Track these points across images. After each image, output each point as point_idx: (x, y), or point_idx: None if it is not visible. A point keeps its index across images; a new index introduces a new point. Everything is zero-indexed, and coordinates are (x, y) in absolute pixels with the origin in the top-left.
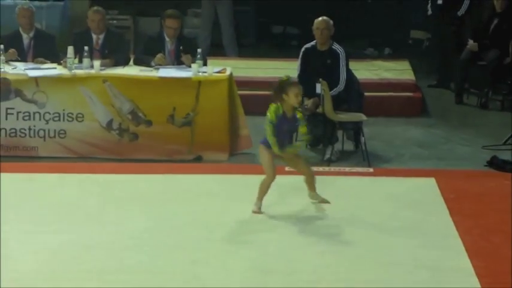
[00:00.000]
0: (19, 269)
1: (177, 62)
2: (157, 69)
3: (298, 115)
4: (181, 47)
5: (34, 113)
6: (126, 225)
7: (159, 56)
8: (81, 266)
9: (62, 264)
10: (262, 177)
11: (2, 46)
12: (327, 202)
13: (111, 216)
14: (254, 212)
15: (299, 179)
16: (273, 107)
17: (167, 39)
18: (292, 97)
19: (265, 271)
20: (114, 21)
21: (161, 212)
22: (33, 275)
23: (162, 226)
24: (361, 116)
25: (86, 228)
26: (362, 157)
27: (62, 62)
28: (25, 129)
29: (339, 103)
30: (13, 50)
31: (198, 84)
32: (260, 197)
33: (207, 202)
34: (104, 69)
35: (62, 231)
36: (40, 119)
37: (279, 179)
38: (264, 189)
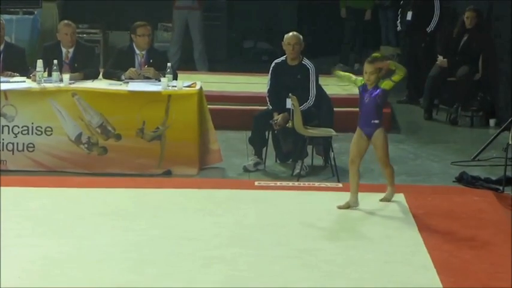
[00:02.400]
0: None
1: (147, 75)
2: (127, 83)
3: (384, 85)
4: (151, 60)
5: (3, 127)
6: (95, 240)
7: (131, 69)
8: (49, 279)
9: (29, 279)
10: (231, 191)
11: None
12: (388, 199)
13: (79, 230)
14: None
15: (271, 194)
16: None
17: (137, 52)
18: (364, 74)
19: (235, 285)
20: (84, 35)
21: (130, 227)
22: None
23: (130, 241)
24: (331, 131)
25: (54, 243)
26: (331, 172)
27: (31, 75)
28: None
29: (309, 118)
30: None
31: (167, 98)
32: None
33: (176, 217)
34: (73, 82)
35: (30, 245)
36: (9, 133)
37: (251, 193)
38: (355, 181)
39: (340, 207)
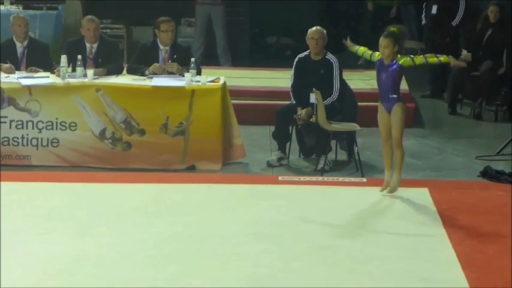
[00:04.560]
0: (7, 280)
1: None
2: (151, 78)
3: (403, 62)
4: (175, 56)
5: (27, 122)
6: (117, 236)
7: (155, 65)
8: (70, 278)
9: (50, 276)
10: (255, 186)
11: None
12: (394, 189)
13: (101, 226)
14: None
15: (295, 189)
16: None
17: (161, 47)
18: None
19: (256, 282)
20: (108, 30)
21: (152, 223)
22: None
23: (152, 237)
24: (355, 126)
25: (75, 240)
26: (355, 167)
27: (55, 70)
28: (18, 138)
29: (332, 113)
30: (10, 65)
31: (191, 93)
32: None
33: (199, 213)
34: (97, 78)
35: (51, 242)
36: (33, 128)
37: (275, 188)
38: (389, 158)
39: (381, 190)
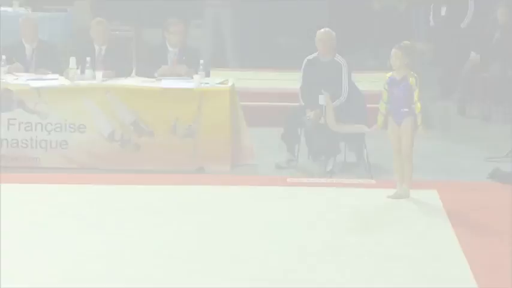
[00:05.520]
0: (16, 279)
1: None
2: (160, 80)
3: (410, 81)
4: (184, 58)
5: (36, 124)
6: (125, 236)
7: (164, 67)
8: (78, 276)
9: (58, 275)
10: (264, 188)
11: (3, 57)
12: (402, 196)
13: (110, 227)
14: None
15: (304, 191)
16: None
17: (170, 49)
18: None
19: (264, 282)
20: (117, 32)
21: (161, 223)
22: (27, 285)
23: (161, 237)
24: (364, 128)
25: (84, 240)
26: (364, 169)
27: (64, 72)
28: (27, 140)
29: (341, 114)
30: (18, 64)
31: (200, 95)
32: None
33: (206, 213)
34: (106, 80)
35: (60, 242)
36: (42, 130)
37: (283, 190)
38: (400, 171)
39: (389, 197)
